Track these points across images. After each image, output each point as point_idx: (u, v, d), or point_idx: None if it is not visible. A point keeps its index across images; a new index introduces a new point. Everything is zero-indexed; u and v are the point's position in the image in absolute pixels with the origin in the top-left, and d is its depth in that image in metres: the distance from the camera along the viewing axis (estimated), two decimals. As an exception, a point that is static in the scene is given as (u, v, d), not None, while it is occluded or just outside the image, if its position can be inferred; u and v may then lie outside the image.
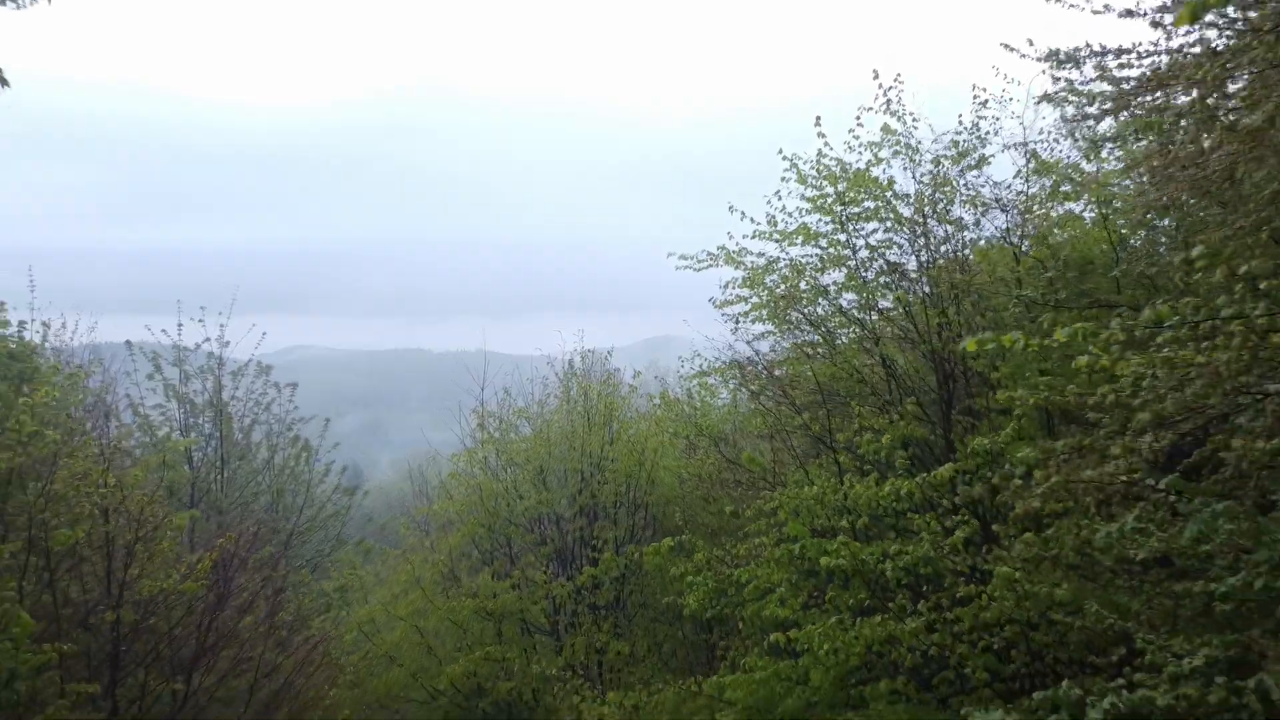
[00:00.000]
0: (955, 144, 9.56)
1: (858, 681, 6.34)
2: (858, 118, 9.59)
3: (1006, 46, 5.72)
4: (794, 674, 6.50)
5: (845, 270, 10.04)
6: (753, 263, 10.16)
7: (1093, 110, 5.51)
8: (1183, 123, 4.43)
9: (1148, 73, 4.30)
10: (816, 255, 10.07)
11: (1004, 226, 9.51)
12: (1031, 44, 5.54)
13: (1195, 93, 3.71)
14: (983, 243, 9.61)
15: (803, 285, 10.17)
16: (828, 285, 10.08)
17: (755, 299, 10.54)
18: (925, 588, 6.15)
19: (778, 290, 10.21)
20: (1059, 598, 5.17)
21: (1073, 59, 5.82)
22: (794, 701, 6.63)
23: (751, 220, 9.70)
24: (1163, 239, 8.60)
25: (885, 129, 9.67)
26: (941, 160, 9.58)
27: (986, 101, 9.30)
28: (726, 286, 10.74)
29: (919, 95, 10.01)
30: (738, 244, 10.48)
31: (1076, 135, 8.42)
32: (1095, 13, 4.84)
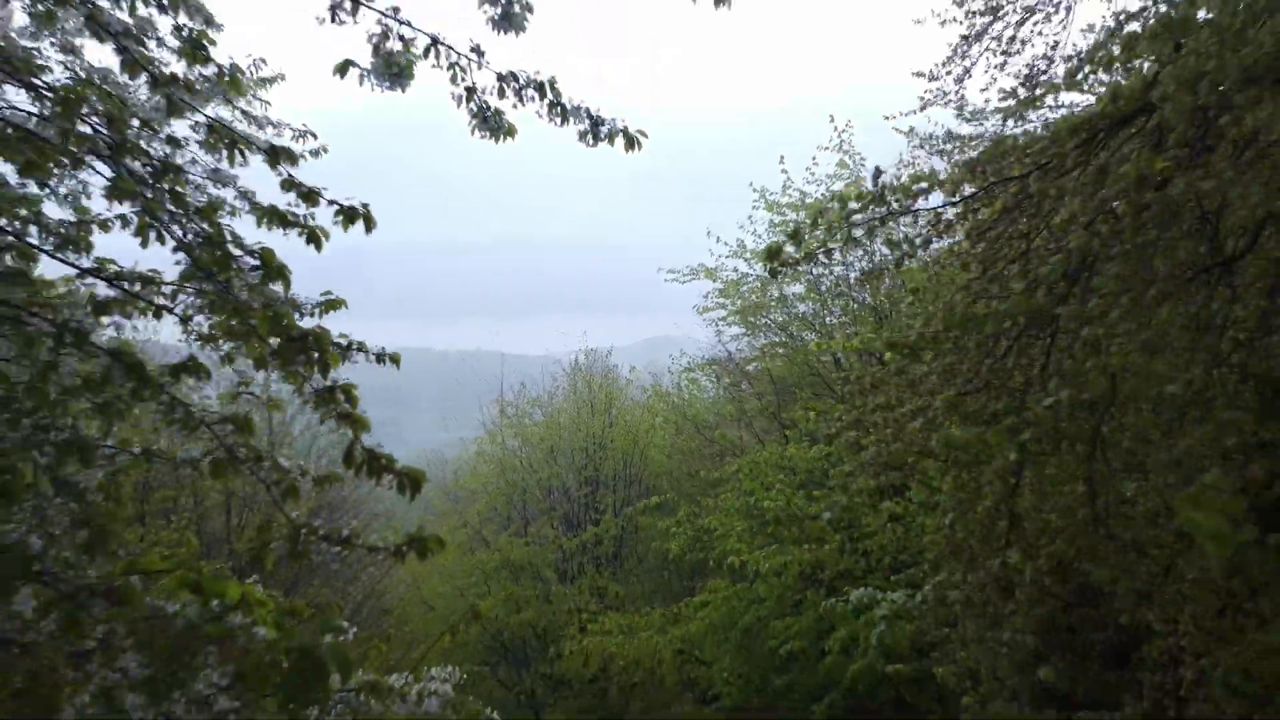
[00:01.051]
0: (896, 178, 11.65)
1: (795, 599, 8.40)
2: (814, 158, 11.75)
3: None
4: (749, 595, 8.56)
5: (804, 283, 12.15)
6: (727, 277, 12.28)
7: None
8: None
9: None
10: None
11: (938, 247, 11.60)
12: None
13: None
14: (915, 262, 11.68)
15: (771, 295, 12.30)
16: (789, 295, 12.20)
17: (731, 306, 12.66)
18: (844, 525, 8.22)
19: (749, 299, 12.34)
20: (925, 526, 7.24)
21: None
22: (749, 617, 8.68)
23: (725, 244, 11.82)
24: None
25: (840, 164, 11.78)
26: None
27: (921, 144, 11.38)
28: (707, 296, 12.87)
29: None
30: (717, 260, 12.63)
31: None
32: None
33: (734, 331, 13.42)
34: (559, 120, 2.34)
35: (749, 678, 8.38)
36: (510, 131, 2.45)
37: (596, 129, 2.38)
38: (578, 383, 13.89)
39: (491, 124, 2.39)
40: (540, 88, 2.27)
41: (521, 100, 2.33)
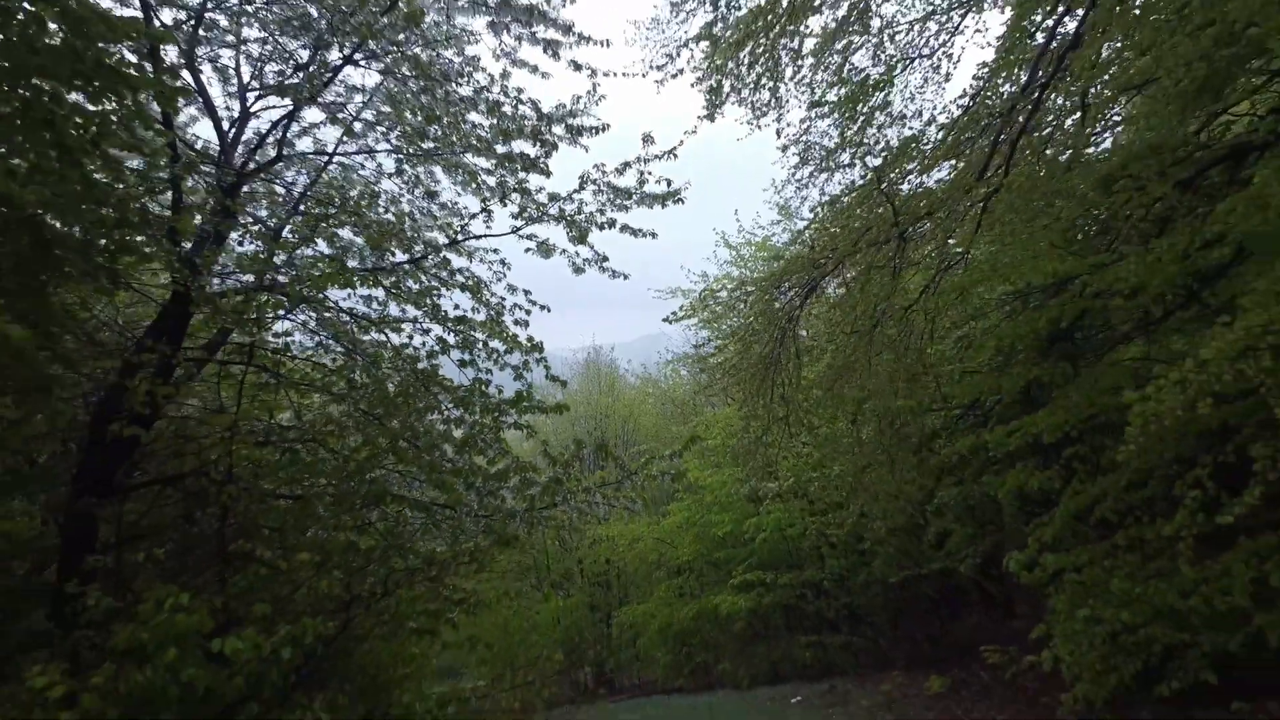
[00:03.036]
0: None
1: (733, 504, 13.18)
2: (756, 213, 16.66)
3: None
4: (702, 502, 13.35)
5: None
6: (695, 297, 17.08)
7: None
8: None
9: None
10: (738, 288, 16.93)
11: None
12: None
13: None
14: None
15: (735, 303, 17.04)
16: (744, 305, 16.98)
17: (699, 317, 17.47)
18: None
19: (713, 310, 17.12)
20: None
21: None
22: (702, 517, 13.47)
23: (692, 272, 16.63)
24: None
25: (781, 210, 16.68)
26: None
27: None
28: (681, 308, 17.66)
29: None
30: (690, 283, 17.47)
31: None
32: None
33: (705, 334, 18.28)
34: (602, 271, 7.08)
35: (701, 552, 13.18)
36: (582, 270, 7.20)
37: (604, 267, 7.13)
38: (588, 371, 18.70)
39: (578, 271, 7.15)
40: (599, 262, 7.00)
41: (592, 266, 7.06)
